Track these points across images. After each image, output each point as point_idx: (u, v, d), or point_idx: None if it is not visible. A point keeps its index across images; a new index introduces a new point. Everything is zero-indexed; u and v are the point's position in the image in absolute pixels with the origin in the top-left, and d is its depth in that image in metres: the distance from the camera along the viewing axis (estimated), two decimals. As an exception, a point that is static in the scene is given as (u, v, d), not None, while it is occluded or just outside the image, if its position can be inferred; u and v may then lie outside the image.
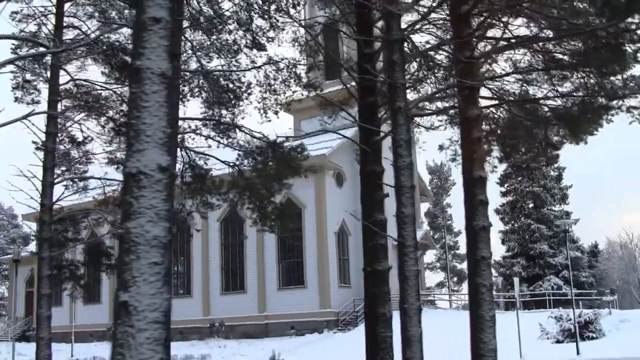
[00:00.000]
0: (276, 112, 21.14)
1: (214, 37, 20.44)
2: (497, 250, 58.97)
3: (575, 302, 40.97)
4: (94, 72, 20.67)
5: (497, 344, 11.91)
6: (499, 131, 17.90)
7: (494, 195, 56.80)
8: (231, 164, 20.85)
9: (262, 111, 21.08)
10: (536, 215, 52.30)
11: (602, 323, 29.95)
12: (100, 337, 45.54)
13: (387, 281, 15.48)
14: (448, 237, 65.18)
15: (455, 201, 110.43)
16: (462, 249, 66.79)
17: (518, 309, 26.64)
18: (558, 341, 28.88)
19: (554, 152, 18.43)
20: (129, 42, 20.77)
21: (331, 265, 39.32)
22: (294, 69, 20.48)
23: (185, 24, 19.38)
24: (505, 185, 54.68)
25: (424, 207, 66.89)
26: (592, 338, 28.52)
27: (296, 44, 19.38)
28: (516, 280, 27.94)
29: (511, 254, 53.35)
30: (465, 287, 66.04)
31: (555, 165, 54.24)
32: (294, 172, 21.01)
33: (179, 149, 21.27)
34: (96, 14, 20.95)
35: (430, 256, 66.07)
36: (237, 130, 21.13)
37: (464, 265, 66.93)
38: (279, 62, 20.35)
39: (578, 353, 23.79)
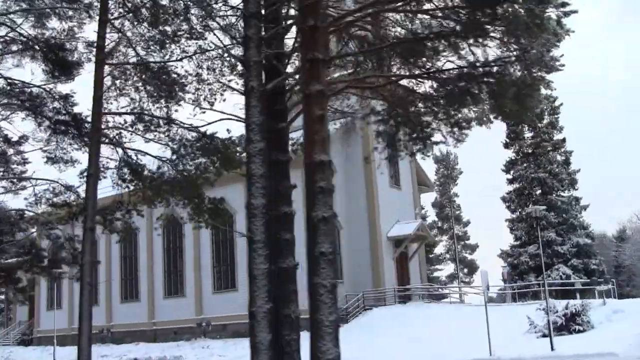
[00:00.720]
0: (211, 103, 19.83)
1: (152, 29, 19.30)
2: (506, 239, 57.11)
3: (582, 291, 39.67)
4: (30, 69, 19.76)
5: (339, 353, 10.54)
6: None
7: (501, 182, 55.09)
8: (164, 159, 19.83)
9: (196, 102, 19.85)
10: (543, 202, 50.34)
11: (592, 314, 28.34)
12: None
13: (293, 279, 14.31)
14: (457, 227, 63.40)
15: (463, 190, 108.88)
16: (473, 239, 65.30)
17: (486, 302, 25.12)
18: (544, 335, 27.34)
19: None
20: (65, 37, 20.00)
21: (321, 260, 37.98)
22: (225, 57, 19.20)
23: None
24: (511, 172, 52.86)
25: (429, 197, 65.49)
26: (580, 331, 27.03)
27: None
28: (484, 272, 26.40)
29: (519, 243, 51.54)
30: (477, 279, 64.36)
31: (562, 150, 52.51)
32: (232, 166, 19.79)
33: (114, 146, 20.39)
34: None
35: (440, 248, 64.55)
36: (172, 124, 20.08)
37: (475, 256, 65.44)
38: (211, 50, 19.08)
39: (552, 349, 22.28)
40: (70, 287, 51.15)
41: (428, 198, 63.65)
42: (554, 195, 51.12)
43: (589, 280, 40.29)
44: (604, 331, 26.95)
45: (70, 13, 20.08)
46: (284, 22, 14.88)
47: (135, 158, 20.15)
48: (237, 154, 19.76)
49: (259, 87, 10.92)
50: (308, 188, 11.38)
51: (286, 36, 15.49)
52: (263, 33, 11.65)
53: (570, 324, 27.12)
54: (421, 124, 16.21)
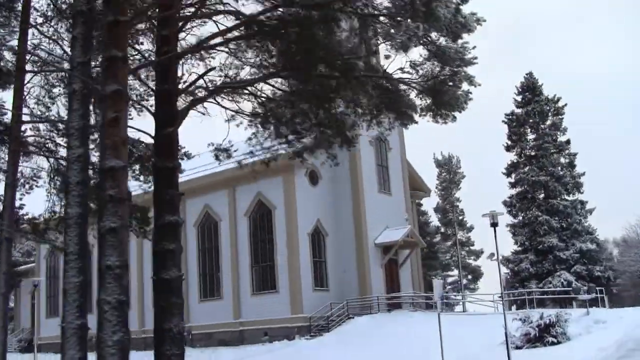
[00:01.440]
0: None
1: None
2: (508, 245, 55.47)
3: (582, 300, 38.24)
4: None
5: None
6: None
7: (503, 187, 53.70)
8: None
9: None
10: (545, 206, 48.93)
11: (572, 326, 27.11)
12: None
13: (177, 291, 13.54)
14: (461, 232, 61.90)
15: (466, 195, 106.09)
16: (477, 245, 63.77)
17: (440, 311, 24.05)
18: (517, 347, 26.17)
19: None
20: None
21: (303, 268, 37.44)
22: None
23: None
24: (512, 176, 51.44)
25: (431, 203, 64.15)
26: (554, 343, 25.80)
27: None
28: (437, 282, 25.36)
29: (522, 249, 50.11)
30: (482, 286, 62.99)
31: (566, 152, 51.03)
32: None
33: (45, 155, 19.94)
34: None
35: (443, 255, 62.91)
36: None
37: (479, 262, 63.89)
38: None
39: (509, 363, 21.17)
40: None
41: (430, 203, 62.60)
42: (557, 199, 49.55)
43: (583, 287, 38.79)
44: (579, 343, 25.80)
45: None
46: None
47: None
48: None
49: (81, 89, 10.17)
50: (97, 196, 10.60)
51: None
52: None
53: (545, 335, 25.94)
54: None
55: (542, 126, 51.61)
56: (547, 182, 49.34)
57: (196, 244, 42.47)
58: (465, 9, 14.50)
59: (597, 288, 35.26)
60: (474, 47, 15.24)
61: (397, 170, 43.91)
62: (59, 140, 19.61)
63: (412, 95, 16.59)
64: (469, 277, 63.01)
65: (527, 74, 52.68)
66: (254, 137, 17.61)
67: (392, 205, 42.40)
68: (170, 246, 13.53)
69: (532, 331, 26.22)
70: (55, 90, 19.01)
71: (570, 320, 28.96)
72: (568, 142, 51.51)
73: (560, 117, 52.02)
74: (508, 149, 52.32)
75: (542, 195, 50.56)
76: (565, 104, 52.09)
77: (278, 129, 17.08)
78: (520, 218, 50.78)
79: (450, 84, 14.96)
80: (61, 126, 18.04)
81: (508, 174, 51.94)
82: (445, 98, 15.24)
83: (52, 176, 19.94)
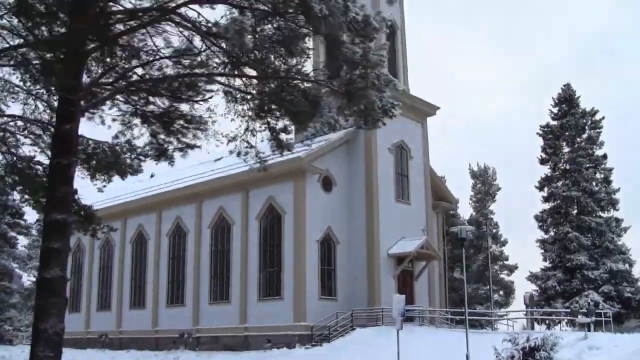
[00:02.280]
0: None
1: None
2: (538, 261, 53.51)
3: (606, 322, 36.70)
4: None
5: None
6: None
7: (535, 201, 51.95)
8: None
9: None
10: (577, 222, 47.19)
11: (562, 350, 25.84)
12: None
13: (58, 291, 13.25)
14: (494, 246, 60.26)
15: (501, 208, 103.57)
16: (511, 260, 61.81)
17: (399, 328, 23.16)
18: (504, 369, 25.08)
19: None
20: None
21: (309, 275, 37.01)
22: None
23: None
24: (545, 190, 49.78)
25: (465, 213, 62.57)
26: (536, 368, 24.46)
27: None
28: (396, 297, 24.57)
29: (551, 266, 48.48)
30: (516, 302, 61.06)
31: (602, 167, 49.13)
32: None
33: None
34: None
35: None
36: None
37: (513, 277, 62.03)
38: None
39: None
40: (79, 292, 52.05)
41: (464, 213, 60.97)
42: (590, 216, 47.72)
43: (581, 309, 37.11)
44: (567, 371, 24.58)
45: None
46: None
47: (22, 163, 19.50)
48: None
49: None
50: None
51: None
52: None
53: (528, 359, 24.65)
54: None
55: (578, 140, 49.84)
56: (579, 198, 47.61)
57: (209, 246, 42.43)
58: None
59: (598, 311, 33.69)
60: (382, 48, 14.68)
61: (419, 179, 43.08)
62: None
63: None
64: (501, 292, 61.34)
65: (564, 86, 50.99)
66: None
67: (410, 215, 41.58)
68: (55, 245, 13.26)
69: (517, 354, 25.05)
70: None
71: (563, 344, 27.75)
72: (605, 156, 49.66)
73: (597, 130, 50.16)
74: (542, 162, 50.73)
75: (575, 212, 48.82)
76: (603, 117, 50.25)
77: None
78: (553, 234, 49.10)
79: (361, 86, 14.32)
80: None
81: (541, 188, 50.36)
82: (361, 102, 14.62)
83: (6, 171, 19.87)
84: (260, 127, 17.01)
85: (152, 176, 57.11)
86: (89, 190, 20.12)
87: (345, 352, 32.12)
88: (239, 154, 17.03)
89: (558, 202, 48.92)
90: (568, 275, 46.73)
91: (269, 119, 16.72)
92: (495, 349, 26.91)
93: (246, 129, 17.00)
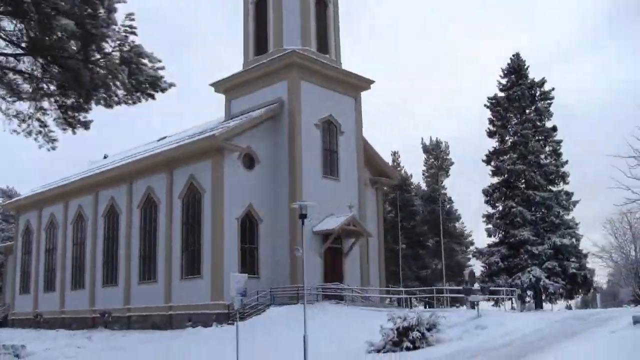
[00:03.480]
0: None
1: None
2: (484, 237, 52.94)
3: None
4: None
5: None
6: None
7: (484, 175, 51.60)
8: None
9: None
10: (522, 197, 46.86)
11: (450, 330, 25.88)
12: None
13: None
14: (449, 223, 59.95)
15: (456, 183, 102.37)
16: (467, 237, 61.37)
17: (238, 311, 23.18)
18: (377, 350, 25.16)
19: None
20: None
21: (228, 254, 37.11)
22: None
23: None
24: (492, 164, 49.36)
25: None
26: (409, 348, 24.43)
27: None
28: (234, 276, 24.58)
29: (498, 242, 48.23)
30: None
31: (550, 139, 48.65)
32: None
33: None
34: None
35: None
36: None
37: (468, 256, 61.61)
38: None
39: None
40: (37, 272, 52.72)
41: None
42: (537, 190, 47.31)
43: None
44: (438, 350, 24.43)
45: None
46: None
47: None
48: None
49: None
50: None
51: None
52: None
53: (402, 339, 24.66)
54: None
55: (527, 112, 49.31)
56: (525, 171, 47.18)
57: (138, 226, 42.76)
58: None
59: (472, 289, 33.46)
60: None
61: (350, 155, 42.94)
62: None
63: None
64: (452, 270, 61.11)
65: (513, 55, 50.40)
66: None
67: (340, 191, 41.53)
68: None
69: (391, 334, 25.08)
70: None
71: (454, 323, 27.77)
72: (554, 128, 49.12)
73: (547, 102, 49.55)
74: (490, 135, 50.28)
75: (523, 186, 48.42)
76: (553, 88, 49.64)
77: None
78: (500, 209, 48.77)
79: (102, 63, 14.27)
80: None
81: (488, 162, 49.94)
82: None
83: None
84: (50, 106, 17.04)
85: (105, 157, 57.67)
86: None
87: (254, 330, 32.31)
88: (30, 134, 17.07)
89: (505, 176, 48.56)
90: (512, 251, 46.48)
91: (56, 97, 16.72)
92: (381, 328, 27.05)
93: (37, 109, 17.03)
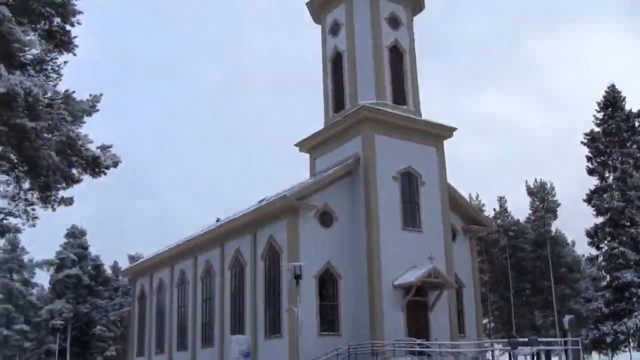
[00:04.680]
0: None
1: None
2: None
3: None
4: None
5: None
6: None
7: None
8: None
9: None
10: (625, 236, 44.98)
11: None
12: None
13: None
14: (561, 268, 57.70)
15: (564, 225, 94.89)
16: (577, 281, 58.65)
17: None
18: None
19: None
20: None
21: (305, 312, 37.86)
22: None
23: None
24: (592, 203, 47.70)
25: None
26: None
27: None
28: (236, 338, 25.07)
29: (601, 286, 46.40)
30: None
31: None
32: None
33: None
34: None
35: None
36: None
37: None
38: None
39: None
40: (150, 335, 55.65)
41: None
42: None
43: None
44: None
45: None
46: None
47: None
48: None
49: None
50: None
51: None
52: None
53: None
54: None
55: (627, 145, 47.47)
56: (624, 208, 45.26)
57: (229, 287, 44.72)
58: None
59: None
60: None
61: (433, 205, 42.91)
62: None
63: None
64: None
65: (609, 87, 48.84)
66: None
67: (423, 243, 41.57)
68: None
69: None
70: None
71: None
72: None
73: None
74: (590, 173, 48.63)
75: (628, 224, 46.41)
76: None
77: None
78: (604, 250, 46.92)
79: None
80: None
81: (589, 201, 48.22)
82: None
83: None
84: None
85: (217, 220, 60.68)
86: None
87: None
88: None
89: (608, 215, 46.73)
90: (618, 295, 44.44)
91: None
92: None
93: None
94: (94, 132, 18.28)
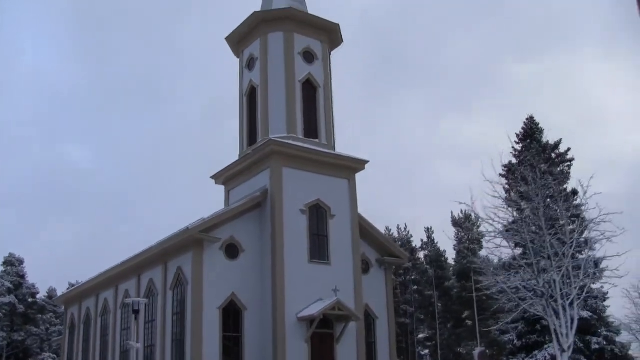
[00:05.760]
0: None
1: None
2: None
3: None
4: None
5: None
6: None
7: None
8: None
9: None
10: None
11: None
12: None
13: None
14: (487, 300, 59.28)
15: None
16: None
17: None
18: None
19: None
20: None
21: (208, 344, 39.41)
22: None
23: None
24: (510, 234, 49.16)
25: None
26: None
27: None
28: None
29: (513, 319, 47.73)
30: None
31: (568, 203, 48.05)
32: None
33: None
34: None
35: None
36: None
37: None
38: None
39: None
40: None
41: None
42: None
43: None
44: None
45: None
46: None
47: None
48: None
49: None
50: None
51: None
52: None
53: None
54: None
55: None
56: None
57: (143, 317, 45.99)
58: None
59: None
60: None
61: (343, 238, 44.40)
62: None
63: None
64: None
65: (527, 119, 50.76)
66: None
67: (332, 276, 43.01)
68: None
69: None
70: None
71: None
72: (574, 192, 48.59)
73: (566, 164, 49.31)
74: (508, 204, 50.15)
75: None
76: (569, 149, 49.41)
77: None
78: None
79: None
80: None
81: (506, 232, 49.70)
82: None
83: None
84: None
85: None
86: None
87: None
88: None
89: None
90: (529, 328, 45.96)
91: None
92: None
93: None
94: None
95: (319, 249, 43.56)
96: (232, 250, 42.02)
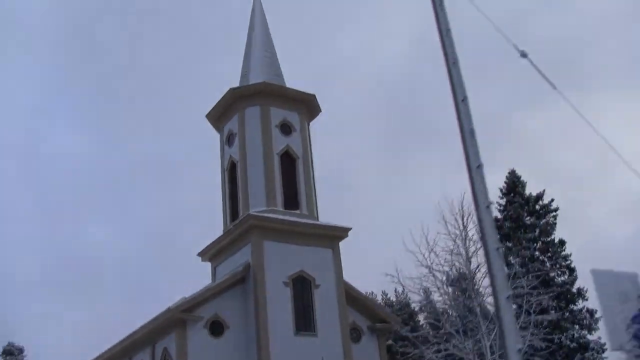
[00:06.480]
0: None
1: None
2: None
3: None
4: None
5: None
6: None
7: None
8: None
9: None
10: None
11: None
12: None
13: None
14: None
15: None
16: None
17: None
18: None
19: None
20: None
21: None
22: None
23: None
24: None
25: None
26: None
27: None
28: None
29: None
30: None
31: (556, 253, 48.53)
32: None
33: None
34: None
35: None
36: None
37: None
38: None
39: None
40: None
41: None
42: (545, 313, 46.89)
43: None
44: None
45: None
46: None
47: None
48: None
49: None
50: None
51: None
52: None
53: None
54: None
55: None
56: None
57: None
58: None
59: None
60: None
61: (329, 307, 44.73)
62: None
63: None
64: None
65: (509, 173, 51.43)
66: None
67: (319, 346, 43.24)
68: None
69: None
70: None
71: None
72: (561, 242, 48.97)
73: (552, 215, 49.74)
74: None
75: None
76: (552, 199, 49.91)
77: None
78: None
79: None
80: None
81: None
82: None
83: None
84: None
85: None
86: None
87: None
88: None
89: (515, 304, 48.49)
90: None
91: None
92: None
93: None
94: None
95: (304, 321, 43.88)
96: (217, 328, 42.48)
